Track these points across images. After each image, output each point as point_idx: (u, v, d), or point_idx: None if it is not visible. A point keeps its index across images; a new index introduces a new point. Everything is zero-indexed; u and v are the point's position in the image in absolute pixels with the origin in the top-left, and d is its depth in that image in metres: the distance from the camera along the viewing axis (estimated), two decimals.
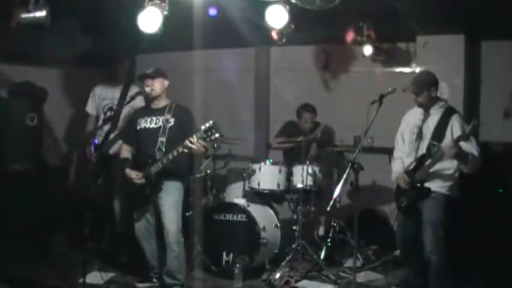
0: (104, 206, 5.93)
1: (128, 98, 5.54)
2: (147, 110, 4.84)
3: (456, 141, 4.15)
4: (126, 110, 5.62)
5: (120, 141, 5.56)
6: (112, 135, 5.64)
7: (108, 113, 5.91)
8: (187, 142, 4.33)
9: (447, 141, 4.33)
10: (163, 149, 4.59)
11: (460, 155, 4.19)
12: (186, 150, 4.39)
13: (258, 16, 4.82)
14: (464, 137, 4.16)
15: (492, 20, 5.31)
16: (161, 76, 4.74)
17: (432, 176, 4.46)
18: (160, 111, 4.74)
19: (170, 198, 4.65)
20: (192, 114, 4.81)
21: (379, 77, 6.46)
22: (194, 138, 4.30)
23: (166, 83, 4.78)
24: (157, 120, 4.72)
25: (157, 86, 4.70)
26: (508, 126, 6.02)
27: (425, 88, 4.51)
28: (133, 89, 5.88)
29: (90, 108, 6.04)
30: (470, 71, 6.07)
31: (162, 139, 4.63)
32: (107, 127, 5.42)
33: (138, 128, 4.78)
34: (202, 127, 4.27)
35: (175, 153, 4.43)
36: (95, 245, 5.83)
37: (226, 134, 5.81)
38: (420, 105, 4.59)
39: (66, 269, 5.08)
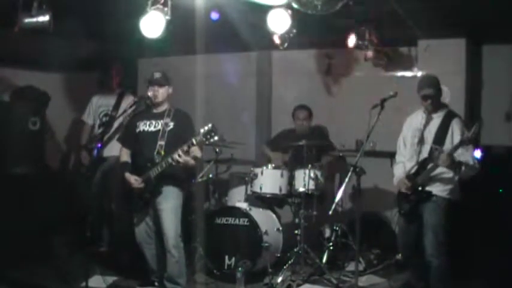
0: (104, 210, 5.94)
1: (123, 107, 5.63)
2: (147, 114, 4.84)
3: (453, 150, 4.18)
4: (122, 120, 5.64)
5: (114, 144, 5.62)
6: (106, 137, 5.70)
7: (104, 119, 6.00)
8: (175, 155, 4.35)
9: (447, 146, 4.34)
10: (162, 153, 4.58)
11: (454, 165, 4.21)
12: (174, 163, 4.40)
13: (260, 20, 4.83)
14: (463, 143, 4.18)
15: (493, 24, 5.33)
16: (168, 84, 4.75)
17: (433, 179, 4.47)
18: (159, 115, 4.75)
19: (169, 203, 4.64)
20: (191, 118, 4.82)
21: (381, 81, 6.47)
22: (193, 141, 4.31)
23: (170, 90, 4.80)
24: (157, 124, 4.71)
25: (161, 93, 4.71)
26: (509, 130, 6.02)
27: (441, 91, 4.55)
28: (129, 98, 5.95)
29: (86, 117, 6.16)
30: (471, 75, 6.08)
31: (161, 143, 4.62)
32: (102, 131, 5.51)
33: (137, 130, 4.77)
34: (202, 130, 4.27)
35: (169, 160, 4.43)
36: (96, 248, 5.84)
37: (228, 138, 5.84)
38: (431, 109, 4.58)
39: (68, 272, 5.09)
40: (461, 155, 4.28)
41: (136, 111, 5.07)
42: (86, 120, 6.16)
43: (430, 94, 4.51)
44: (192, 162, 4.55)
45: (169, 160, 4.41)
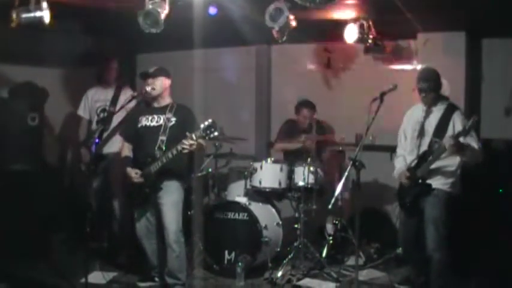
0: (104, 206, 5.93)
1: (121, 101, 5.60)
2: (149, 109, 4.83)
3: (456, 137, 4.16)
4: (121, 114, 5.61)
5: (114, 141, 5.66)
6: (105, 135, 5.68)
7: (101, 115, 5.94)
8: (184, 141, 4.33)
9: (448, 137, 4.33)
10: (164, 148, 4.57)
11: (460, 149, 4.20)
12: (184, 149, 4.38)
13: (259, 14, 4.81)
14: (464, 132, 4.17)
15: (493, 18, 5.30)
16: (163, 75, 4.72)
17: (434, 173, 4.46)
18: (161, 110, 4.73)
19: (170, 198, 4.64)
20: (193, 114, 4.80)
21: (380, 75, 6.45)
22: (193, 136, 4.30)
23: (168, 82, 4.77)
24: (159, 119, 4.70)
25: (158, 85, 4.69)
26: (509, 124, 6.02)
27: (439, 84, 4.54)
28: (127, 91, 5.91)
29: (82, 111, 6.09)
30: (471, 69, 6.07)
31: (163, 138, 4.61)
32: (100, 128, 5.48)
33: (139, 125, 4.76)
34: (202, 125, 4.26)
35: (174, 151, 4.42)
36: (96, 244, 5.83)
37: (227, 133, 5.83)
38: (427, 103, 4.57)
39: (67, 269, 5.09)
40: (466, 141, 4.26)
41: (136, 106, 5.06)
42: (83, 115, 6.09)
43: (424, 88, 4.50)
44: (203, 143, 4.54)
45: (179, 148, 4.37)
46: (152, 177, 4.58)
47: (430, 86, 4.50)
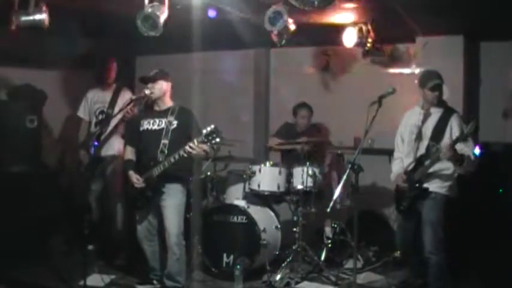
0: (102, 208, 5.93)
1: (119, 103, 5.60)
2: (150, 112, 4.82)
3: (454, 143, 4.17)
4: (120, 116, 5.61)
5: (112, 143, 5.71)
6: (103, 137, 5.68)
7: (100, 117, 5.94)
8: (187, 147, 4.33)
9: (446, 141, 4.34)
10: (166, 151, 4.57)
11: (456, 158, 4.21)
12: (186, 155, 4.39)
13: (258, 18, 4.82)
14: (462, 137, 4.17)
15: (491, 21, 5.32)
16: (162, 79, 4.70)
17: (431, 176, 4.47)
18: (163, 113, 4.73)
19: (173, 201, 4.65)
20: (194, 116, 4.79)
21: (379, 78, 6.46)
22: (195, 143, 4.30)
23: (168, 85, 4.76)
24: (160, 122, 4.70)
25: (157, 89, 4.68)
26: (507, 127, 6.02)
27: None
28: (126, 93, 5.91)
29: (82, 113, 6.09)
30: (469, 72, 6.08)
31: (165, 141, 4.61)
32: (98, 130, 5.49)
33: (141, 129, 4.76)
34: (204, 131, 4.25)
35: (176, 156, 4.42)
36: (94, 246, 5.83)
37: (225, 136, 5.81)
38: (434, 102, 4.58)
39: (66, 271, 5.08)
40: (462, 149, 4.27)
41: (138, 110, 5.06)
42: (83, 116, 6.09)
43: (440, 83, 4.52)
44: (203, 153, 4.55)
45: (181, 153, 4.38)
46: (154, 180, 4.58)
47: (442, 82, 4.54)
